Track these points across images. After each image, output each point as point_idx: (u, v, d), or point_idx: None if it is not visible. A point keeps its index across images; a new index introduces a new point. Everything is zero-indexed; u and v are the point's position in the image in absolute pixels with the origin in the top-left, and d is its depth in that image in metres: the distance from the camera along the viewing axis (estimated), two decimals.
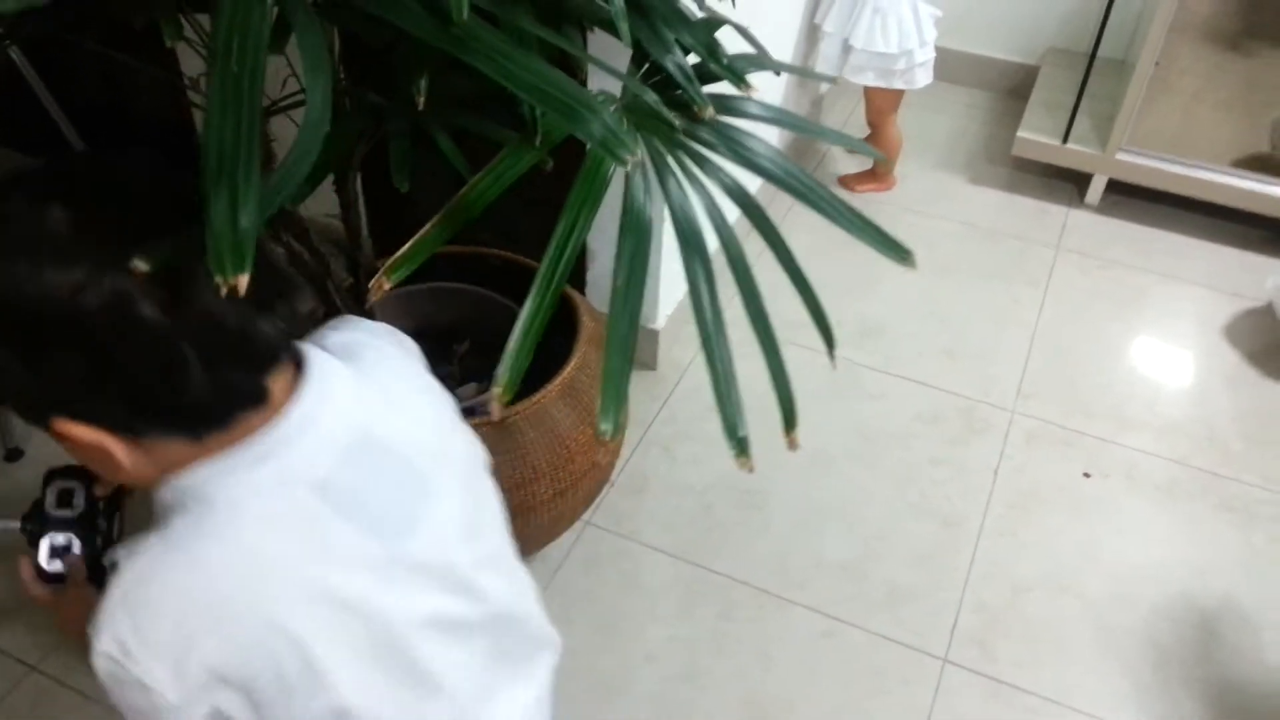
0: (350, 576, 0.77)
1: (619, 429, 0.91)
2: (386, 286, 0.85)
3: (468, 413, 1.70)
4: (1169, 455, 2.21)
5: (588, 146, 0.86)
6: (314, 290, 1.63)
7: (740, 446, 0.95)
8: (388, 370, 0.87)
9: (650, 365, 2.36)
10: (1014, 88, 3.36)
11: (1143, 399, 2.35)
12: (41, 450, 2.06)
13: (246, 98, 0.66)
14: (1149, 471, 2.18)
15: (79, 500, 0.95)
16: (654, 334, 2.31)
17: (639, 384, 2.30)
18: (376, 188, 1.93)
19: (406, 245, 0.87)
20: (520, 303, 1.88)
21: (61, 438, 0.73)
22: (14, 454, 2.07)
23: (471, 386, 1.88)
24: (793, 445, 1.05)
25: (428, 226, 0.88)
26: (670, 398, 2.30)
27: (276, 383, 0.75)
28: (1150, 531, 2.05)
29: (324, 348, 0.82)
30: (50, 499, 0.95)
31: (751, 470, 0.96)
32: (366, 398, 0.81)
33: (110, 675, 0.73)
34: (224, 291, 0.64)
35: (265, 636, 0.74)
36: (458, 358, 1.94)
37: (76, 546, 0.94)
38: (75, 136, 2.31)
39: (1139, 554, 2.01)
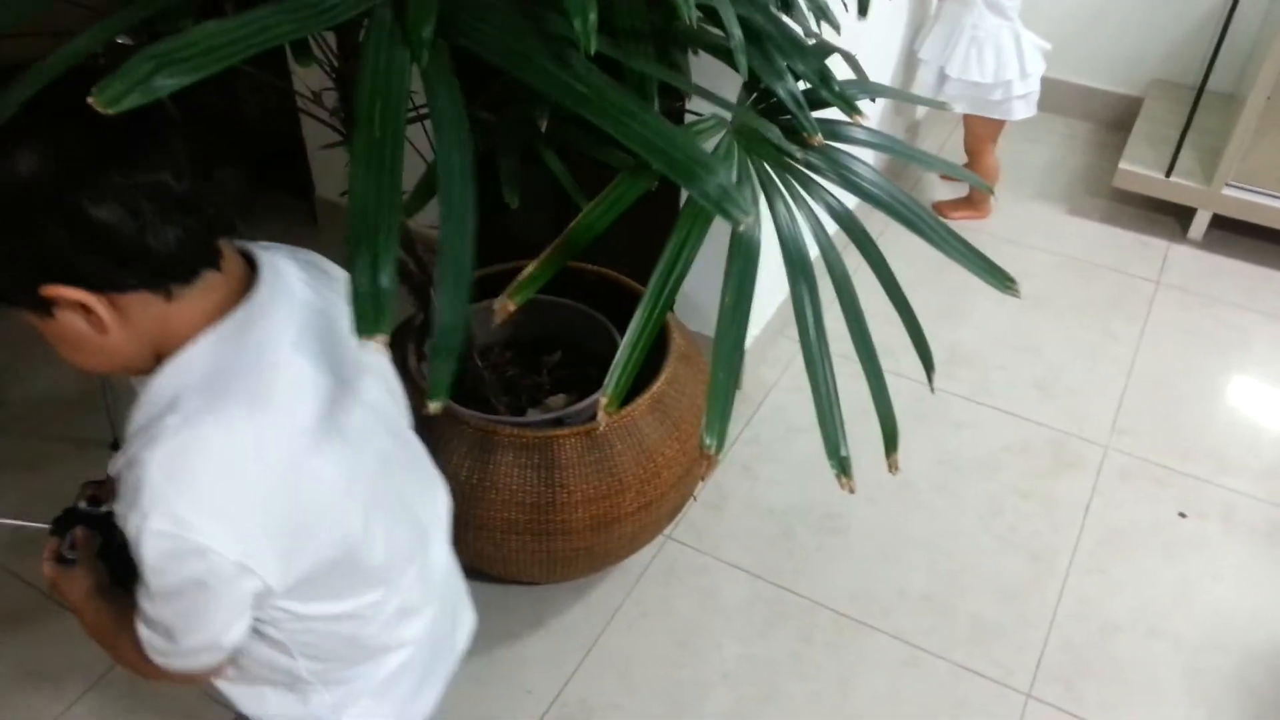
0: (337, 413, 0.88)
1: (723, 443, 0.93)
2: (511, 309, 0.89)
3: (557, 422, 1.75)
4: (1269, 499, 2.14)
5: None
6: (416, 298, 1.69)
7: (842, 466, 0.96)
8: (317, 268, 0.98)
9: (736, 385, 2.36)
10: (1116, 119, 3.30)
11: (1243, 440, 2.28)
12: None
13: (389, 163, 0.70)
14: (1247, 514, 2.11)
15: (107, 505, 1.04)
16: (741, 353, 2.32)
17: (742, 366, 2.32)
18: (479, 199, 1.99)
19: (525, 271, 0.91)
20: (611, 317, 1.92)
21: (46, 315, 0.79)
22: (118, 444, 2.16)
23: (561, 397, 1.91)
24: (893, 467, 1.06)
25: (546, 252, 0.91)
26: (754, 418, 2.31)
27: (229, 258, 0.85)
28: (1247, 576, 1.99)
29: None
30: (81, 500, 1.06)
31: (853, 491, 0.97)
32: (307, 278, 0.93)
33: (166, 554, 0.79)
34: (371, 348, 0.70)
35: (298, 476, 0.84)
36: (547, 369, 1.98)
37: (98, 539, 1.03)
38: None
39: (1234, 598, 1.95)
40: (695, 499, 2.09)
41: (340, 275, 0.97)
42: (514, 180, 1.25)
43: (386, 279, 0.68)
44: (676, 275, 0.91)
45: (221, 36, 0.68)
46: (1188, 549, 2.04)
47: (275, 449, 0.83)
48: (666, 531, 2.03)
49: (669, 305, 0.94)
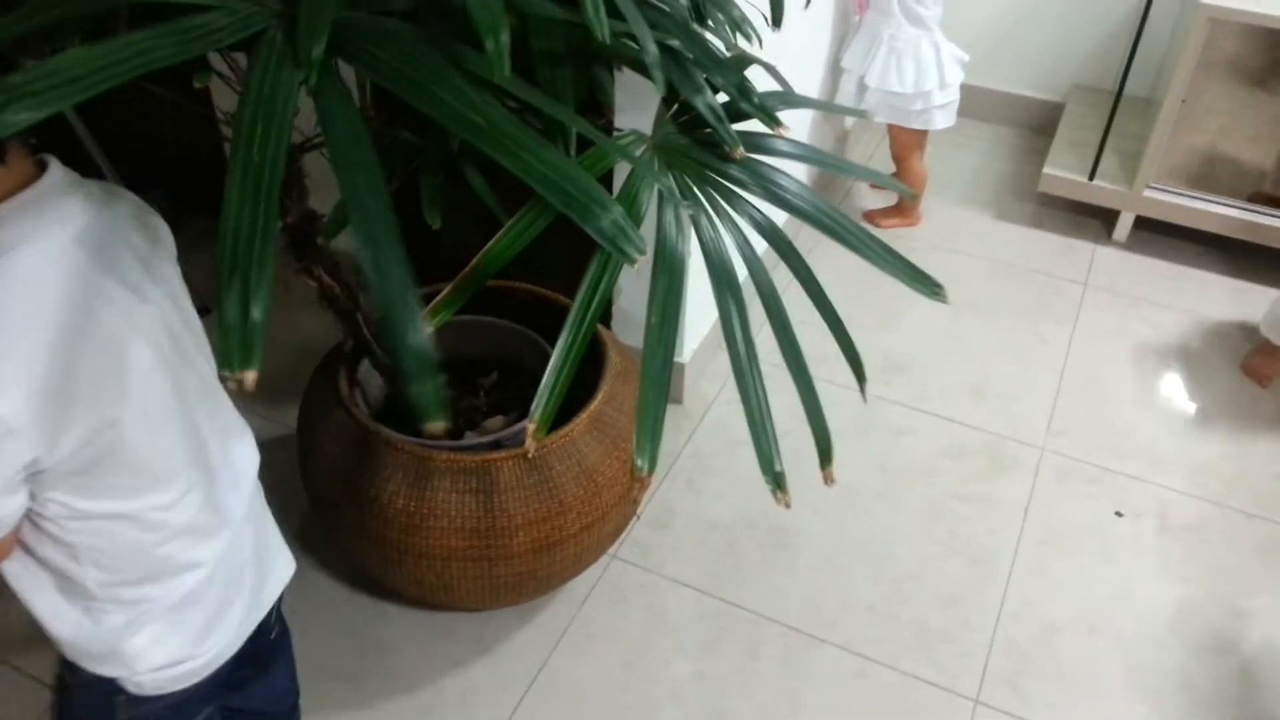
0: (111, 291, 0.90)
1: (654, 464, 0.91)
2: (429, 329, 0.86)
3: (495, 445, 1.72)
4: (1201, 495, 2.18)
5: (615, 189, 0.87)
6: (345, 324, 1.65)
7: (777, 481, 0.95)
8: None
9: (676, 399, 2.36)
10: (1039, 124, 3.37)
11: (1174, 437, 2.32)
12: None
13: (266, 189, 0.67)
14: (1181, 511, 2.15)
15: None
16: (679, 368, 2.31)
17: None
18: (406, 218, 1.95)
19: (439, 297, 0.89)
20: (546, 335, 1.89)
21: None
22: None
23: (499, 419, 1.88)
24: (829, 480, 1.05)
25: (456, 281, 0.90)
26: (695, 432, 2.30)
27: (18, 160, 0.86)
28: (1184, 571, 2.02)
29: None
30: None
31: (789, 506, 0.96)
32: (95, 190, 0.95)
33: None
34: (231, 386, 0.68)
35: (81, 339, 0.85)
36: (484, 390, 1.95)
37: None
38: (108, 165, 2.34)
39: (1172, 594, 1.98)
40: (638, 517, 2.07)
41: (129, 196, 1.01)
42: (435, 200, 1.22)
43: (259, 311, 0.65)
44: (598, 301, 0.89)
45: (88, 64, 0.64)
46: (1125, 548, 2.07)
47: (41, 303, 0.84)
48: (611, 551, 2.01)
49: (591, 331, 0.92)
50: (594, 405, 1.73)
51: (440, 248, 1.48)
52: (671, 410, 2.35)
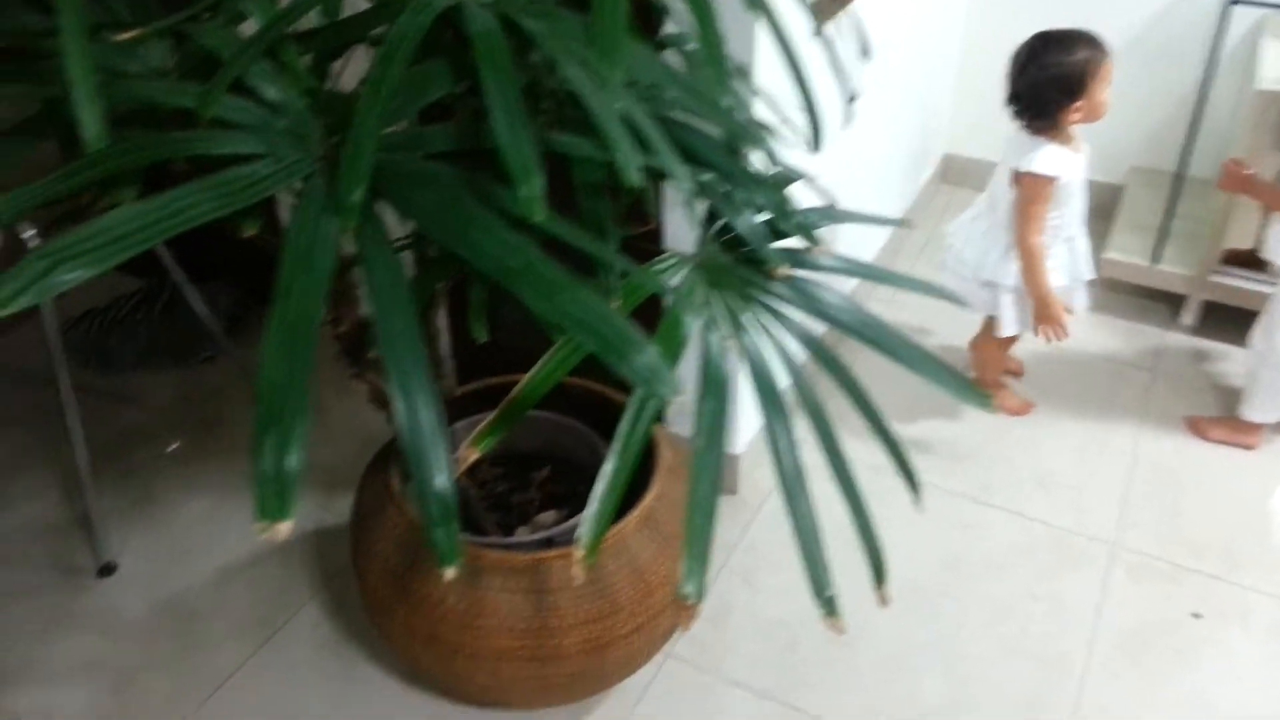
0: None
1: (703, 592, 0.89)
2: (474, 457, 0.87)
3: (547, 543, 1.71)
4: None
5: (663, 303, 0.87)
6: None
7: (829, 607, 0.93)
8: None
9: (730, 490, 2.33)
10: (1098, 206, 3.31)
11: (1255, 532, 2.22)
12: (133, 568, 2.13)
13: (301, 343, 0.68)
14: (1265, 613, 2.04)
15: None
16: (734, 459, 2.29)
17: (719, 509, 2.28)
18: (459, 309, 1.98)
19: (484, 423, 0.90)
20: (600, 429, 1.89)
21: None
22: (107, 569, 2.13)
23: (551, 514, 1.88)
24: (883, 601, 1.02)
25: (497, 412, 0.90)
26: (752, 524, 2.26)
27: None
28: (1269, 676, 1.92)
29: None
30: None
31: (843, 632, 0.93)
32: None
33: None
34: (264, 536, 0.67)
35: None
36: (536, 484, 1.95)
37: None
38: (172, 260, 2.41)
39: (1257, 701, 1.87)
40: (684, 630, 2.02)
41: None
42: (482, 313, 1.24)
43: (294, 461, 0.66)
44: (640, 433, 0.89)
45: (132, 223, 0.67)
46: (1204, 651, 1.97)
47: None
48: (666, 648, 1.98)
49: (637, 458, 0.91)
50: (645, 503, 1.71)
51: (495, 345, 1.50)
52: (726, 501, 2.32)
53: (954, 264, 2.45)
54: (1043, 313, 2.32)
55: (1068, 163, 2.23)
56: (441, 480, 0.68)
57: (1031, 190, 2.23)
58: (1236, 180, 2.37)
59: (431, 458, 0.69)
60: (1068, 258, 2.38)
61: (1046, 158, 2.20)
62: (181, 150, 0.77)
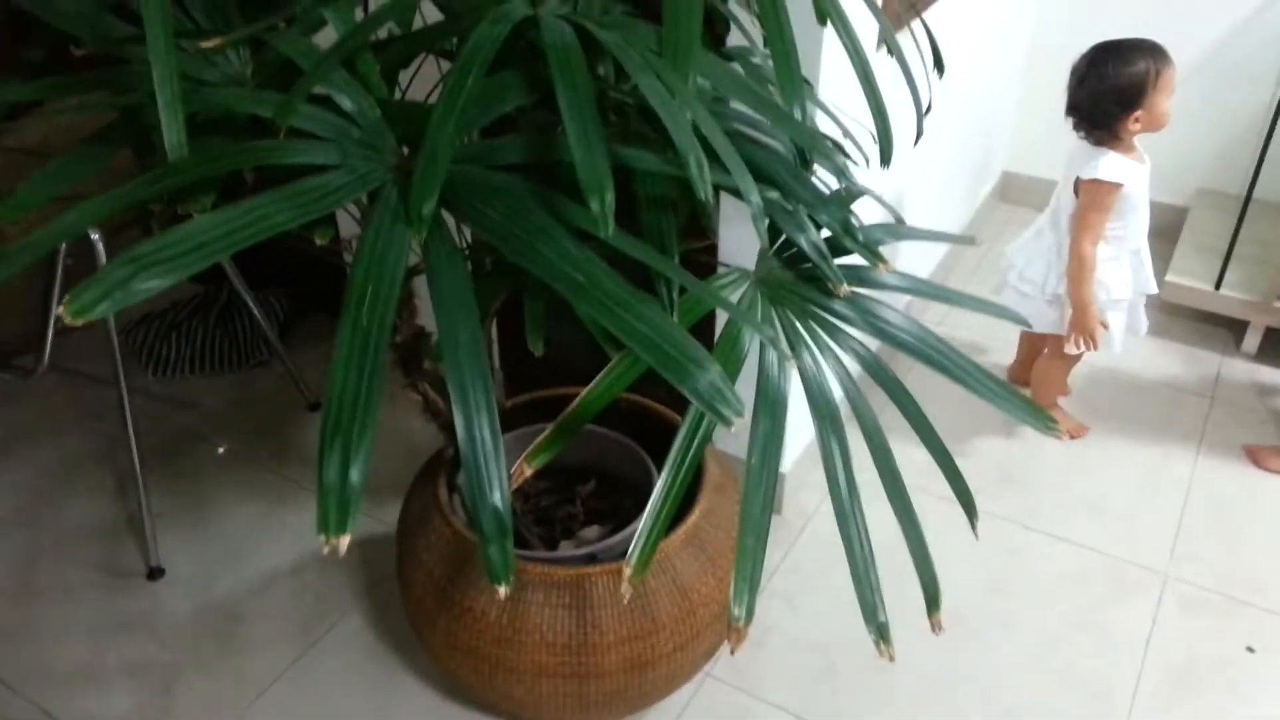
0: None
1: (752, 614, 0.88)
2: (528, 473, 0.87)
3: (590, 558, 1.71)
4: None
5: (720, 320, 0.87)
6: (447, 435, 1.67)
7: (880, 633, 0.91)
8: None
9: (775, 509, 2.31)
10: (1162, 229, 3.25)
11: None
12: (181, 571, 2.15)
13: (372, 352, 0.68)
14: None
15: None
16: (780, 478, 2.27)
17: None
18: (509, 324, 1.98)
19: (539, 439, 0.89)
20: (647, 444, 1.88)
21: None
22: (156, 572, 2.15)
23: (595, 528, 1.87)
24: (936, 628, 1.00)
25: (551, 428, 0.90)
26: (794, 546, 2.24)
27: None
28: None
29: None
30: None
31: (893, 659, 0.92)
32: None
33: None
34: (325, 550, 0.66)
35: None
36: (581, 498, 1.95)
37: None
38: (230, 263, 2.44)
39: None
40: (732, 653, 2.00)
41: None
42: (539, 326, 1.24)
43: (358, 474, 0.65)
44: (694, 453, 0.88)
45: (211, 232, 0.67)
46: (1258, 687, 1.91)
47: None
48: (706, 668, 1.96)
49: (690, 479, 0.90)
50: (690, 520, 1.70)
51: (549, 358, 1.50)
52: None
53: (1017, 282, 2.42)
54: (1079, 320, 2.30)
55: (1131, 172, 2.20)
56: (498, 496, 0.68)
57: (1093, 197, 2.20)
58: None
59: (489, 473, 0.69)
60: (1132, 271, 2.34)
61: (1110, 165, 2.18)
62: (263, 160, 0.78)
